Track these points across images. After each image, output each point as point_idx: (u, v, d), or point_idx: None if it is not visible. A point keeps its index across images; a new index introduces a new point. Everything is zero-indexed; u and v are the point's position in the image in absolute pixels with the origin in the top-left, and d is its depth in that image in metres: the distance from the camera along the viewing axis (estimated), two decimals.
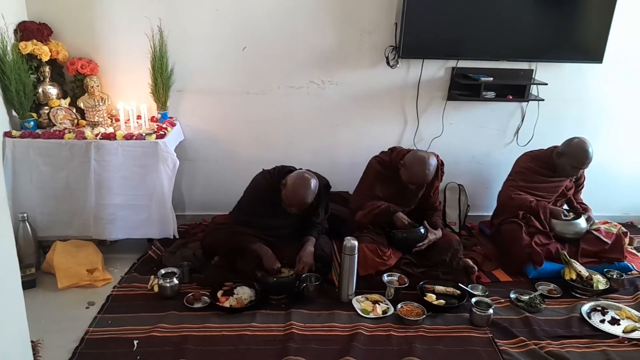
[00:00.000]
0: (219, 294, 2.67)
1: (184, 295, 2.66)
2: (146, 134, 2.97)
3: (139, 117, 3.17)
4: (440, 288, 2.78)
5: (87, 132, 2.95)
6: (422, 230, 2.94)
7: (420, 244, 2.92)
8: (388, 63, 3.34)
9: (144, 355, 2.23)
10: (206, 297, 2.66)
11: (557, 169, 3.21)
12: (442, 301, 2.68)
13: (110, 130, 3.02)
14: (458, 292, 2.76)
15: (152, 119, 3.27)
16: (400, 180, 3.00)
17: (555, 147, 3.23)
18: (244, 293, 2.67)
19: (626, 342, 2.44)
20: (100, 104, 3.13)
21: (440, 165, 3.11)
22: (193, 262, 2.93)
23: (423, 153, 2.98)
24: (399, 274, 2.86)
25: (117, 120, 3.19)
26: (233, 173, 3.46)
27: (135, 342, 2.32)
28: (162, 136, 2.99)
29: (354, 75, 3.41)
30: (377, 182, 3.08)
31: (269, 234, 2.82)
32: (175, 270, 2.77)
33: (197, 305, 2.62)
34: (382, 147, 3.21)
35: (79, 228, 3.00)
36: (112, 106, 3.29)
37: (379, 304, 2.67)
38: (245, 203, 2.86)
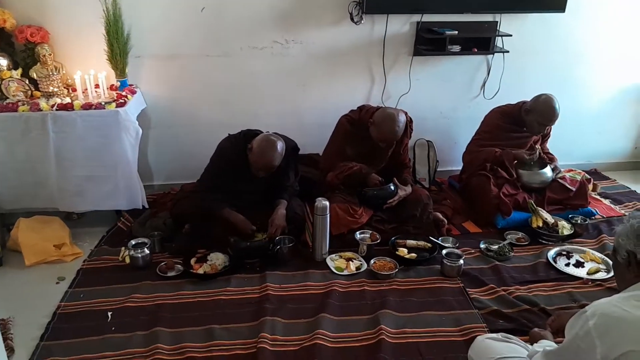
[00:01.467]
0: (192, 261, 2.65)
1: (157, 265, 2.64)
2: (105, 103, 2.86)
3: (97, 86, 3.05)
4: (411, 242, 2.82)
5: (42, 103, 2.82)
6: (392, 187, 2.96)
7: (391, 200, 2.94)
8: (352, 19, 3.27)
9: (118, 326, 2.22)
10: (179, 266, 2.64)
11: (525, 125, 3.24)
12: (413, 255, 2.73)
13: (67, 100, 2.89)
14: (429, 245, 2.81)
15: (112, 88, 3.15)
16: (370, 139, 2.99)
17: (524, 102, 3.24)
18: (217, 259, 2.65)
19: (590, 283, 2.54)
20: (55, 73, 2.99)
21: (409, 122, 3.11)
22: (163, 231, 2.89)
23: (392, 110, 2.97)
24: (371, 231, 2.89)
25: (74, 90, 3.05)
26: (199, 139, 3.39)
27: (109, 313, 2.30)
28: (122, 104, 2.88)
29: (319, 33, 3.33)
30: (347, 141, 3.06)
31: (239, 199, 2.79)
32: (145, 240, 2.73)
33: (171, 273, 2.60)
34: (350, 106, 3.18)
35: (45, 200, 2.91)
36: (67, 75, 3.15)
37: (353, 261, 2.70)
38: (212, 169, 2.82)
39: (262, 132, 2.76)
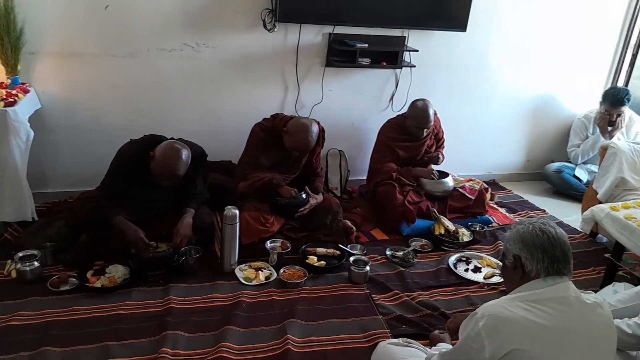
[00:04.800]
0: (89, 274, 2.47)
1: (48, 279, 2.43)
2: None
3: None
4: (321, 250, 2.84)
5: None
6: (304, 196, 2.97)
7: (302, 208, 2.95)
8: (265, 26, 3.26)
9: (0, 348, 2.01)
10: (74, 279, 2.46)
11: (409, 131, 3.39)
12: (322, 262, 2.74)
13: None
14: (338, 252, 2.85)
15: (1, 85, 2.88)
16: (284, 147, 2.98)
17: None
18: (116, 271, 2.50)
19: (486, 287, 2.69)
20: None
21: (322, 131, 3.14)
22: (58, 241, 2.67)
23: (305, 120, 2.99)
24: (282, 240, 2.87)
25: None
26: (102, 143, 3.14)
27: None
28: (11, 104, 2.64)
29: (231, 39, 3.28)
30: (261, 149, 3.03)
31: (144, 207, 2.66)
32: (35, 252, 2.50)
33: (64, 287, 2.41)
34: (263, 114, 3.15)
35: None
36: None
37: (262, 271, 2.66)
38: (112, 176, 2.64)
39: (166, 138, 2.65)
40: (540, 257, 1.47)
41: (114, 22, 3.04)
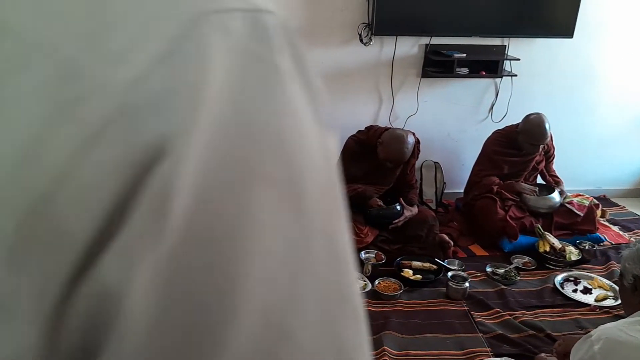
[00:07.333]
0: None
1: None
2: None
3: None
4: (417, 263, 2.80)
5: None
6: (398, 207, 2.96)
7: (397, 220, 2.93)
8: (361, 40, 3.31)
9: None
10: None
11: (520, 146, 3.24)
12: (418, 276, 2.70)
13: None
14: (434, 267, 2.79)
15: None
16: (377, 159, 3.00)
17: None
18: None
19: (597, 310, 2.50)
20: None
21: (417, 143, 3.12)
22: None
23: (400, 131, 2.99)
24: (376, 251, 2.87)
25: None
26: None
27: None
28: None
29: (327, 54, 3.37)
30: (354, 161, 3.07)
31: None
32: None
33: None
34: (357, 126, 3.20)
35: None
36: None
37: (357, 281, 2.68)
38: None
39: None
40: None
41: None
